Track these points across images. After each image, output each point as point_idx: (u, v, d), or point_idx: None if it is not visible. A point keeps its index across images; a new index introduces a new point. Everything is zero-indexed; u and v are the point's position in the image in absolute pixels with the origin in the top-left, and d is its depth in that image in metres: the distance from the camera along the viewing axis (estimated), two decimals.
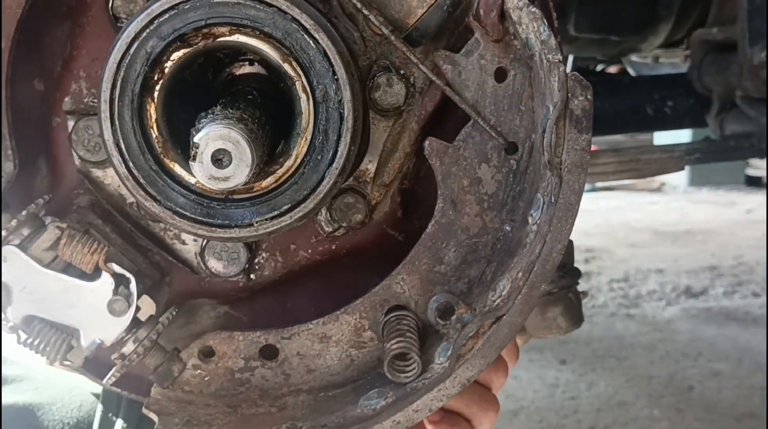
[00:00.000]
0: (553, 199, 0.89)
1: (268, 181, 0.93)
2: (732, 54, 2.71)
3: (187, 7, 0.88)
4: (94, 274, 0.95)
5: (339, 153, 0.92)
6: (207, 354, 1.03)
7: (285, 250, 1.11)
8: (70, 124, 1.05)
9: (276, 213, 0.93)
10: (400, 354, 0.95)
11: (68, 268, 0.96)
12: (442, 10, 0.98)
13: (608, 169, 2.77)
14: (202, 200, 0.93)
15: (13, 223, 0.94)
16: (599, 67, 4.28)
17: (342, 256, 1.11)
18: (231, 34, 0.90)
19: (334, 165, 0.92)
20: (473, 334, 0.93)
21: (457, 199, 0.99)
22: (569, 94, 0.87)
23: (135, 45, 0.89)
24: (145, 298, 1.00)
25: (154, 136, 0.91)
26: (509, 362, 1.17)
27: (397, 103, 1.03)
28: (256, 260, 1.11)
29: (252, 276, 1.11)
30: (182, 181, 0.92)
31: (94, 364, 1.05)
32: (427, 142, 0.99)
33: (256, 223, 0.93)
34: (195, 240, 1.09)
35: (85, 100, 1.05)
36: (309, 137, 0.92)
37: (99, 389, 1.43)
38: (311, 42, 0.89)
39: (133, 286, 0.96)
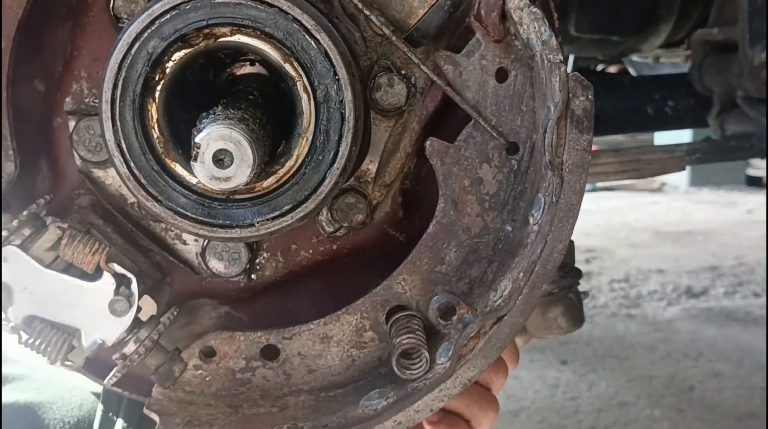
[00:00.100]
0: (554, 199, 0.89)
1: (270, 182, 0.93)
2: (733, 54, 2.72)
3: (188, 7, 0.88)
4: (95, 275, 0.95)
5: (340, 153, 0.92)
6: (208, 354, 1.03)
7: (286, 251, 1.11)
8: (71, 124, 1.05)
9: (277, 213, 0.93)
10: (406, 352, 0.95)
11: (69, 269, 0.96)
12: (443, 11, 0.98)
13: (609, 170, 2.77)
14: (204, 200, 0.93)
15: (14, 223, 0.94)
16: (600, 67, 4.29)
17: (343, 257, 1.11)
18: (232, 34, 0.90)
19: (335, 165, 0.92)
20: (474, 335, 0.93)
21: (458, 199, 0.99)
22: (570, 95, 0.87)
23: (136, 45, 0.89)
24: (146, 298, 1.00)
25: (155, 136, 0.91)
26: (510, 365, 1.17)
27: (398, 104, 1.03)
28: (257, 260, 1.11)
29: (253, 276, 1.11)
30: (183, 182, 0.92)
31: (95, 364, 1.05)
32: (428, 143, 0.99)
33: (258, 223, 0.93)
34: (196, 240, 1.09)
35: (86, 100, 1.05)
36: (310, 137, 0.92)
37: (99, 388, 1.43)
38: (312, 42, 0.89)
39: (134, 286, 0.96)
